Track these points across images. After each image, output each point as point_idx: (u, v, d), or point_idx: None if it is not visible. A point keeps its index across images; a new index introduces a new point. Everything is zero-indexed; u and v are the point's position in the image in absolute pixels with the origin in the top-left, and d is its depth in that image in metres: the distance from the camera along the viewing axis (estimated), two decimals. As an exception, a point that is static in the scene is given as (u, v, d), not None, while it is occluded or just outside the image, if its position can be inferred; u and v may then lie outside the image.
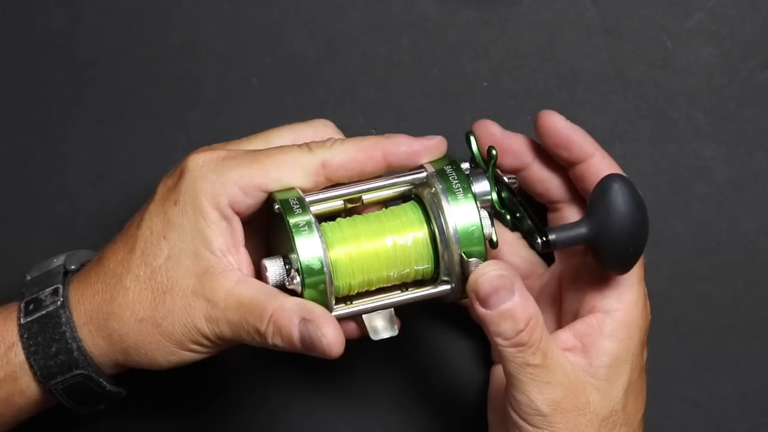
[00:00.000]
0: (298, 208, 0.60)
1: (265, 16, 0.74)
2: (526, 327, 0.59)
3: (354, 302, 0.62)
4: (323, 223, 0.62)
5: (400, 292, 0.63)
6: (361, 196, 0.63)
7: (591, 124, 0.68)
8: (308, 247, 0.60)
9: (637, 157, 0.72)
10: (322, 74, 0.73)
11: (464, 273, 0.61)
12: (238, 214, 0.61)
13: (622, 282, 0.63)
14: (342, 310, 0.62)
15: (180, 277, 0.61)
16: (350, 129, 0.73)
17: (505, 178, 0.64)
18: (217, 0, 0.74)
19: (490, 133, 0.65)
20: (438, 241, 0.61)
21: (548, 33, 0.72)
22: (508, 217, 0.63)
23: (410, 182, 0.63)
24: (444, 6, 0.73)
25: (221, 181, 0.60)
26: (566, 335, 0.63)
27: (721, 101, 0.71)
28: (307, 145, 0.62)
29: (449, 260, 0.61)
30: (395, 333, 0.63)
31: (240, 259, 0.62)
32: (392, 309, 0.63)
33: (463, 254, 0.60)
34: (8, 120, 0.75)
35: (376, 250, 0.61)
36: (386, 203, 0.64)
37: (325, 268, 0.60)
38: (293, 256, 0.60)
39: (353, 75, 0.73)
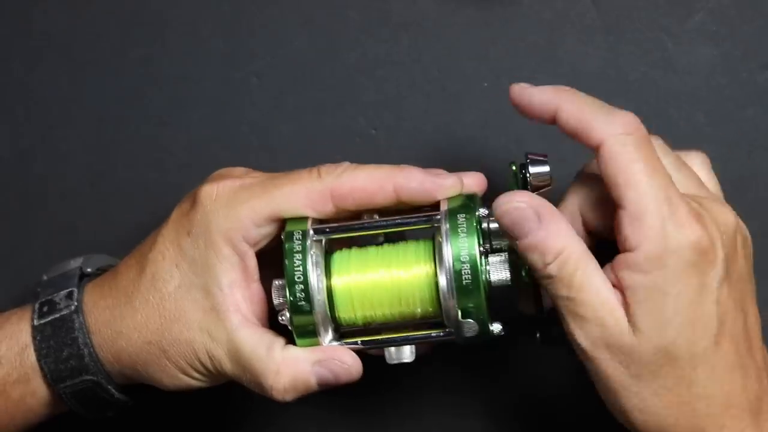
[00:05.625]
0: (299, 239, 0.59)
1: (265, 16, 0.74)
2: (555, 260, 0.56)
3: (364, 335, 0.61)
4: (336, 252, 0.61)
5: (411, 328, 0.61)
6: (380, 234, 0.62)
7: (591, 124, 0.68)
8: (299, 279, 0.59)
9: (637, 157, 0.72)
10: (322, 74, 0.73)
11: (459, 330, 0.59)
12: (254, 245, 0.61)
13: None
14: (351, 343, 0.61)
15: (188, 309, 0.61)
16: (350, 129, 0.73)
17: None
18: (217, 0, 0.74)
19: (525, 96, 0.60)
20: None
21: (548, 33, 0.72)
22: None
23: (430, 220, 0.60)
24: (444, 6, 0.73)
25: (233, 216, 0.60)
26: (608, 272, 0.57)
27: (721, 101, 0.71)
28: (318, 171, 0.61)
29: (446, 308, 0.59)
30: (411, 360, 0.61)
31: (251, 294, 0.61)
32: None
33: (459, 310, 0.58)
34: (8, 120, 0.75)
35: (379, 286, 0.60)
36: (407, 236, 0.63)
37: (314, 302, 0.59)
38: (286, 286, 0.59)
39: (353, 75, 0.73)
